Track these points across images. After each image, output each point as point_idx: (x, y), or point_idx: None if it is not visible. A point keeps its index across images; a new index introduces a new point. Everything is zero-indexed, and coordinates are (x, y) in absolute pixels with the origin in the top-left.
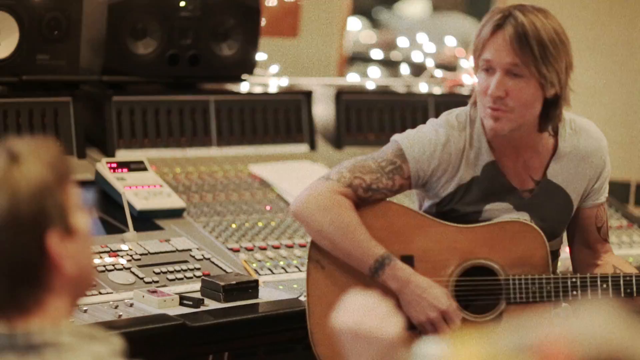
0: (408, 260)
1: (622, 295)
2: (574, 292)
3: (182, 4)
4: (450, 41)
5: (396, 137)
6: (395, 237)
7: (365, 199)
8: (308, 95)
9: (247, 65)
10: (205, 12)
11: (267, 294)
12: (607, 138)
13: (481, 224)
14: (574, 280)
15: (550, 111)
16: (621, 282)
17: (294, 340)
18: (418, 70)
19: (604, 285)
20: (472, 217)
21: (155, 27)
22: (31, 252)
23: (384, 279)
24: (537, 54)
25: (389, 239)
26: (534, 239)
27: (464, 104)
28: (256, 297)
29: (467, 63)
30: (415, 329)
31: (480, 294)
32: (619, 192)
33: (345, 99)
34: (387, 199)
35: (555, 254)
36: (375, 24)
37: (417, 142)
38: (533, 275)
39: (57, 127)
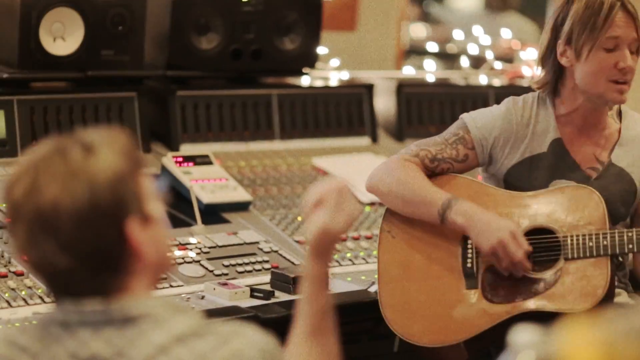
0: None
1: None
2: (630, 246)
3: None
4: (506, 34)
5: (462, 115)
6: None
7: (432, 169)
8: (370, 88)
9: (309, 59)
10: (267, 6)
11: (336, 286)
12: None
13: (543, 190)
14: (629, 234)
15: None
16: None
17: (362, 332)
18: (475, 62)
19: None
20: (538, 189)
21: (218, 22)
22: (112, 240)
23: (452, 218)
24: None
25: None
26: (591, 199)
27: (524, 94)
28: None
29: (526, 55)
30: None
31: (540, 252)
32: None
33: (406, 91)
34: (451, 174)
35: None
36: (426, 17)
37: (479, 114)
38: (590, 232)
39: (122, 121)
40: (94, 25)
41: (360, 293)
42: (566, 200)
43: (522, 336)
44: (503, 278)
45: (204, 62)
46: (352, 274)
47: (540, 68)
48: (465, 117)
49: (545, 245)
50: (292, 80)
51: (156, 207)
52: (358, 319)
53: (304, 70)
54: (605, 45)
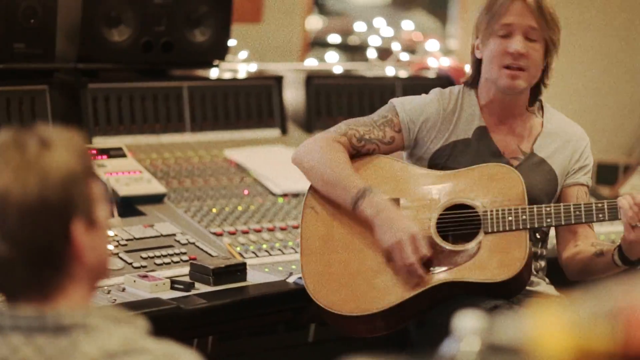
0: (395, 202)
1: (594, 219)
2: (548, 220)
3: None
4: (408, 25)
5: (391, 100)
6: (382, 183)
7: (358, 149)
8: (279, 80)
9: (220, 51)
10: None
11: (254, 277)
12: None
13: (462, 169)
14: (547, 209)
15: (538, 85)
16: (593, 207)
17: (279, 322)
18: (379, 54)
19: (577, 212)
20: None
21: (129, 15)
22: (56, 237)
23: (362, 208)
24: (549, 20)
25: (378, 185)
26: (511, 178)
27: (431, 86)
28: (244, 279)
29: (430, 46)
30: None
31: (459, 225)
32: None
33: (315, 83)
34: (378, 155)
35: (543, 235)
36: (321, 9)
37: (408, 99)
38: (509, 207)
39: (34, 114)
40: (6, 18)
41: (278, 284)
42: (486, 178)
43: (466, 322)
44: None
45: (115, 54)
46: (269, 264)
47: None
48: (394, 101)
49: (465, 219)
50: (202, 72)
51: (102, 213)
52: (275, 309)
53: (215, 62)
54: (499, 32)
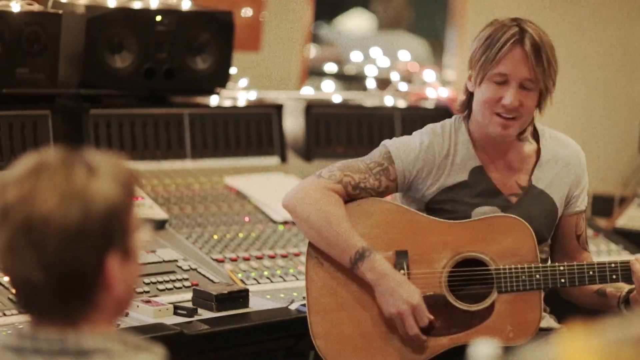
0: (403, 254)
1: (608, 281)
2: (562, 280)
3: (158, 18)
4: (404, 55)
5: (385, 142)
6: (389, 233)
7: (353, 196)
8: (279, 108)
9: (221, 79)
10: (180, 26)
11: (256, 303)
12: None
13: (471, 219)
14: (561, 268)
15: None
16: (607, 269)
17: (280, 348)
18: (377, 83)
19: (591, 272)
20: (461, 216)
21: (132, 41)
22: (90, 269)
23: (362, 271)
24: (546, 70)
25: (384, 235)
26: (522, 231)
27: (429, 116)
28: (247, 306)
29: (427, 76)
30: None
31: (472, 284)
32: None
33: (314, 112)
34: (381, 199)
35: (544, 262)
36: (315, 38)
37: (403, 145)
38: (522, 265)
39: (36, 139)
40: (9, 42)
41: (281, 311)
42: (496, 230)
43: (482, 349)
44: (437, 309)
45: (117, 80)
46: (271, 291)
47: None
48: (389, 146)
49: (477, 277)
50: (203, 99)
51: (137, 241)
52: (277, 336)
53: (216, 90)
54: (494, 79)
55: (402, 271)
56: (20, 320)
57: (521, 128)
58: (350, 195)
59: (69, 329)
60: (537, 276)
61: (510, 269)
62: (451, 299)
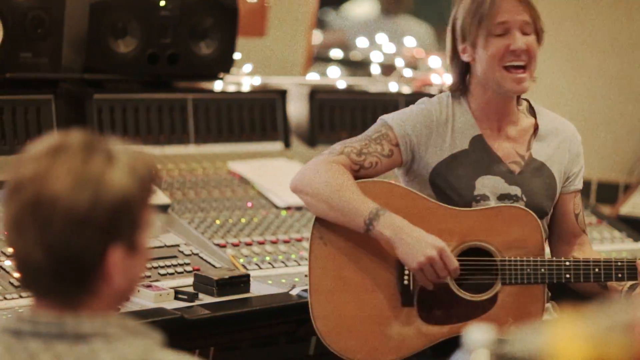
0: None
1: (614, 279)
2: (567, 275)
3: (162, 3)
4: (410, 41)
5: (381, 117)
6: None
7: (360, 163)
8: (283, 94)
9: (225, 64)
10: (184, 11)
11: (257, 289)
12: None
13: (478, 207)
14: (567, 264)
15: None
16: (613, 266)
17: (281, 334)
18: (382, 69)
19: (596, 270)
20: (466, 192)
21: (136, 26)
22: (91, 257)
23: (379, 229)
24: (537, 11)
25: None
26: (530, 223)
27: None
28: (247, 291)
29: (433, 63)
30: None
31: (476, 274)
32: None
33: (319, 97)
34: (389, 182)
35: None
36: (321, 24)
37: (399, 114)
38: (528, 258)
39: (40, 124)
40: (13, 27)
41: (282, 296)
42: (504, 220)
43: (477, 335)
44: (439, 297)
45: (121, 65)
46: (273, 277)
47: (450, 72)
48: (385, 117)
49: (482, 267)
50: (207, 85)
51: (146, 240)
52: (278, 321)
53: (220, 75)
54: (495, 32)
55: None
56: (20, 304)
57: (532, 79)
58: (357, 163)
59: (68, 313)
60: (542, 270)
61: (515, 261)
62: (454, 287)
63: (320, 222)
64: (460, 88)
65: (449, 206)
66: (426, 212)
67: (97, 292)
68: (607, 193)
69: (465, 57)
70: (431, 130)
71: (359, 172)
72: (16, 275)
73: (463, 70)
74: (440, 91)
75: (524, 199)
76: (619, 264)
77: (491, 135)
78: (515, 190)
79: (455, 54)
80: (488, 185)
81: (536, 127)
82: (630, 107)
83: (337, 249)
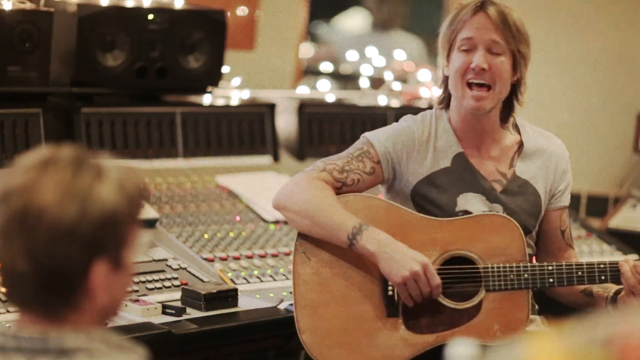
0: None
1: (597, 281)
2: (550, 280)
3: (151, 16)
4: (399, 55)
5: (363, 134)
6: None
7: (341, 180)
8: (272, 107)
9: (213, 78)
10: (172, 24)
11: (245, 303)
12: None
13: (460, 217)
14: (550, 268)
15: (510, 100)
16: (595, 269)
17: (270, 348)
18: (371, 83)
19: (579, 273)
20: (448, 208)
21: (124, 40)
22: (74, 269)
23: (362, 244)
24: (515, 33)
25: None
26: (511, 230)
27: None
28: (235, 305)
29: (423, 76)
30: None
31: (460, 282)
32: (570, 203)
33: (307, 111)
34: (369, 195)
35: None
36: (312, 37)
37: (381, 131)
38: (511, 264)
39: (28, 138)
40: (1, 41)
41: (270, 310)
42: (485, 228)
43: (459, 349)
44: (424, 307)
45: (109, 79)
46: (261, 291)
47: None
48: (367, 134)
49: (465, 275)
50: (195, 98)
51: (132, 257)
52: (266, 335)
53: (208, 88)
54: (461, 47)
55: None
56: (8, 319)
57: (496, 101)
58: (339, 180)
59: (51, 328)
60: (526, 275)
61: (498, 267)
62: (439, 297)
63: (303, 237)
64: (443, 102)
65: (430, 217)
66: (407, 223)
67: (80, 307)
68: (597, 206)
69: (445, 71)
70: (412, 149)
71: (341, 190)
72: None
73: (445, 85)
74: (429, 105)
75: (509, 217)
76: (602, 266)
77: (472, 153)
78: (497, 207)
79: (441, 68)
80: (470, 202)
81: (520, 145)
82: (620, 120)
83: (321, 263)
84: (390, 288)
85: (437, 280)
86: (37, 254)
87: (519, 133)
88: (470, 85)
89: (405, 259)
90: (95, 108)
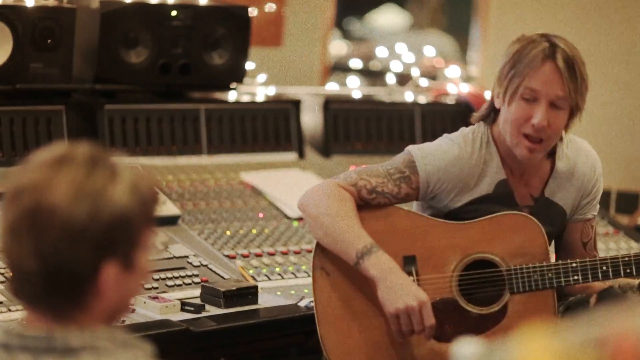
0: (411, 260)
1: (622, 275)
2: (575, 277)
3: (174, 13)
4: (429, 51)
5: (409, 148)
6: (397, 239)
7: (367, 201)
8: (297, 104)
9: (237, 74)
10: (196, 21)
11: (265, 300)
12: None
13: (478, 219)
14: (574, 265)
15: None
16: (620, 263)
17: (291, 346)
18: (400, 79)
19: (604, 268)
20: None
21: (147, 36)
22: (83, 269)
23: (367, 266)
24: (579, 86)
25: (391, 241)
26: (531, 228)
27: (450, 112)
28: (256, 302)
29: (450, 72)
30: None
31: (483, 287)
32: (600, 200)
33: (333, 107)
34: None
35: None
36: (346, 34)
37: (430, 155)
38: (534, 264)
39: (51, 135)
40: (23, 37)
41: (290, 307)
42: (505, 228)
43: (466, 348)
44: (448, 314)
45: (133, 75)
46: (282, 288)
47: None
48: (414, 153)
49: (488, 279)
50: (219, 95)
51: (145, 260)
52: (288, 333)
53: (232, 85)
54: (524, 95)
55: (411, 277)
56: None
57: (545, 151)
58: (364, 200)
59: (57, 327)
60: (550, 274)
61: (521, 268)
62: (462, 302)
63: (319, 252)
64: (489, 117)
65: (449, 221)
66: (427, 229)
67: (88, 307)
68: (626, 203)
69: (496, 103)
70: (459, 181)
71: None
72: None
73: (493, 110)
74: (456, 101)
75: (528, 215)
76: (627, 259)
77: (513, 180)
78: None
79: (492, 94)
80: None
81: (552, 168)
82: None
83: (340, 278)
84: None
85: (431, 321)
86: (46, 253)
87: (554, 154)
88: (525, 135)
89: (404, 291)
90: (118, 105)
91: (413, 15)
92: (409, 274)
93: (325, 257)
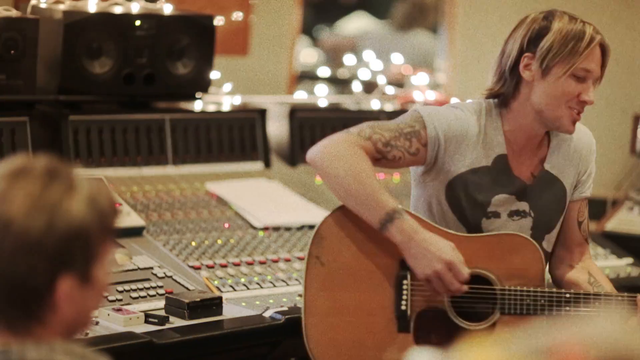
0: (406, 266)
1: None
2: (567, 308)
3: (138, 23)
4: (397, 58)
5: (416, 107)
6: (394, 244)
7: (384, 154)
8: (262, 113)
9: (202, 84)
10: (160, 30)
11: (230, 311)
12: None
13: (481, 234)
14: (567, 296)
15: None
16: (613, 300)
17: (256, 357)
18: (367, 87)
19: (597, 303)
20: (480, 207)
21: (111, 46)
22: (39, 282)
23: (391, 232)
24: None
25: (391, 244)
26: (531, 252)
27: None
28: (220, 314)
29: (418, 80)
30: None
31: (476, 302)
32: None
33: (299, 116)
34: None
35: (547, 256)
36: (316, 42)
37: (435, 112)
38: (528, 288)
39: (15, 146)
40: None
41: (255, 318)
42: (505, 248)
43: (419, 358)
44: (436, 324)
45: (97, 86)
46: (247, 299)
47: (495, 76)
48: (422, 111)
49: (481, 296)
50: (185, 105)
51: (102, 273)
52: (253, 344)
53: (197, 94)
54: (577, 74)
55: (404, 281)
56: None
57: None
58: (381, 152)
59: (14, 340)
60: (542, 301)
61: (515, 290)
62: (452, 315)
63: (319, 241)
64: (502, 100)
65: (451, 231)
66: None
67: (45, 321)
68: (594, 208)
69: (526, 74)
70: (462, 140)
71: (379, 162)
72: None
73: (515, 84)
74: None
75: (532, 214)
76: (619, 298)
77: (514, 156)
78: (524, 206)
79: (515, 64)
80: (502, 202)
81: (549, 139)
82: (617, 122)
83: (334, 270)
84: (403, 302)
85: (464, 276)
86: (1, 266)
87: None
88: (570, 107)
89: (429, 256)
90: (82, 116)
91: (396, 15)
92: (404, 278)
93: (323, 247)
